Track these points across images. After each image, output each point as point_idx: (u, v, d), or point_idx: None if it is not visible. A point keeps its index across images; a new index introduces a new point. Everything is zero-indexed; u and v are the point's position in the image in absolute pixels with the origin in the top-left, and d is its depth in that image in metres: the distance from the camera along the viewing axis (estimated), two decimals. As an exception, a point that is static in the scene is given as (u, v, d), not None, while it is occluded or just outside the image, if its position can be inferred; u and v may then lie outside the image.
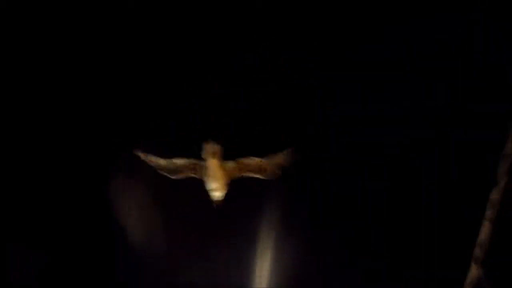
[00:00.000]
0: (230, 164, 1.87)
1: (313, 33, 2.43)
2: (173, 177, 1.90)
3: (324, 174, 2.47)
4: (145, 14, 2.36)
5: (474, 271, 1.70)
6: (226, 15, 2.41)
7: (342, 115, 2.50)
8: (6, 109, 2.34)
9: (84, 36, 2.35)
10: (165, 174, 1.93)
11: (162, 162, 1.91)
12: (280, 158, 1.92)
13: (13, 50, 2.30)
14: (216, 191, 1.86)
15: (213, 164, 1.81)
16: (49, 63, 2.35)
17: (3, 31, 2.24)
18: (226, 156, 1.91)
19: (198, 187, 2.01)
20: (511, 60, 2.14)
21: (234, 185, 1.95)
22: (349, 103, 2.50)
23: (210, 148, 1.86)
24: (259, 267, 2.45)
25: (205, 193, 1.96)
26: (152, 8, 2.36)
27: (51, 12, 2.30)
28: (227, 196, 1.99)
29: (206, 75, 2.34)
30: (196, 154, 1.90)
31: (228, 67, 2.36)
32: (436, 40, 2.33)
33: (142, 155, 1.96)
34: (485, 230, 1.68)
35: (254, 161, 1.86)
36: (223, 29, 2.42)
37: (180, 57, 2.38)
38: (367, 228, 2.39)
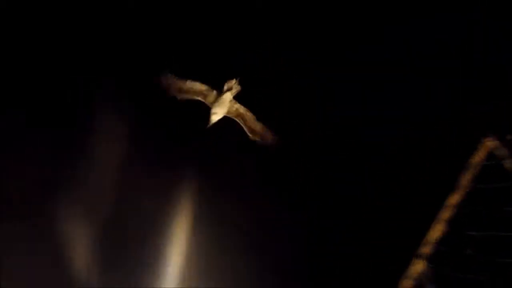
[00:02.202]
0: (236, 104, 2.25)
1: (313, 33, 2.44)
2: (179, 97, 2.21)
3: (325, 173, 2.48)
4: (146, 14, 2.38)
5: (417, 266, 1.80)
6: (227, 16, 2.43)
7: (342, 115, 2.51)
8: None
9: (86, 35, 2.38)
10: (175, 93, 2.20)
11: (183, 83, 2.21)
12: (267, 133, 2.25)
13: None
14: (216, 115, 2.23)
15: (227, 96, 2.20)
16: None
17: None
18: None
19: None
20: (511, 60, 2.14)
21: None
22: (349, 103, 2.50)
23: (231, 84, 2.22)
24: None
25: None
26: (153, 8, 2.38)
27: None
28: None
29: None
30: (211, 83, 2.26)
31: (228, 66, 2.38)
32: (436, 40, 2.32)
33: (169, 77, 2.21)
34: (435, 230, 1.76)
35: (252, 116, 2.23)
36: (223, 29, 2.43)
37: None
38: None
